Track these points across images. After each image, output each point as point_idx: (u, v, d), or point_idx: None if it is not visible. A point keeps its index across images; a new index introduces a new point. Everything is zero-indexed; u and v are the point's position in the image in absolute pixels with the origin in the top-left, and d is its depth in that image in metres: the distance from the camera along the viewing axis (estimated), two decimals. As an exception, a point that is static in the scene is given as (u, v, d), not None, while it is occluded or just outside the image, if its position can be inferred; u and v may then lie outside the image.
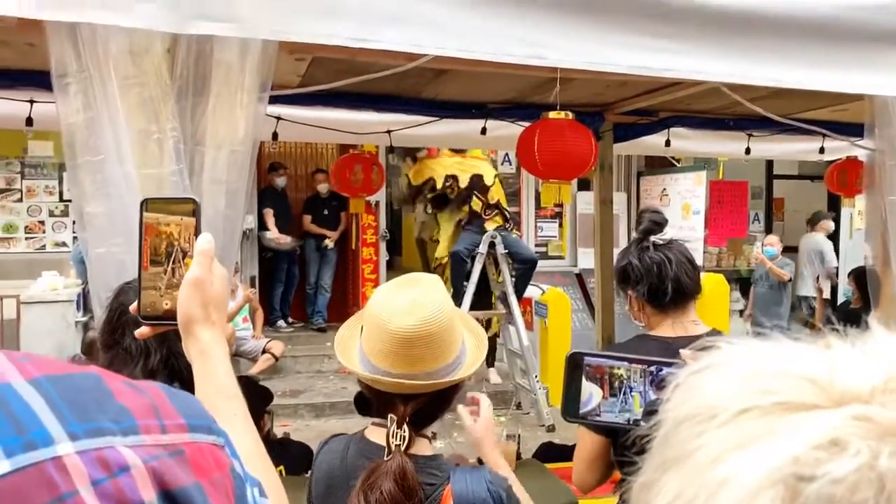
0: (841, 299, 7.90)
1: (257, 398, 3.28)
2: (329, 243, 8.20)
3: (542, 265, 7.19)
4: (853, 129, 3.38)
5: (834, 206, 9.11)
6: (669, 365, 0.96)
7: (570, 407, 0.97)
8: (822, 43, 1.97)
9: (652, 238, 1.86)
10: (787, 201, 10.81)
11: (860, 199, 5.08)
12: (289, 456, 2.99)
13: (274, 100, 3.26)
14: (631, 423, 0.96)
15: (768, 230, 10.42)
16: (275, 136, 3.62)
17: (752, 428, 0.36)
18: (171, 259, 0.93)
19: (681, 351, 0.94)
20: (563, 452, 3.19)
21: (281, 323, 8.31)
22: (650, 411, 0.94)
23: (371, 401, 1.41)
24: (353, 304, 8.76)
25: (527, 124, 3.45)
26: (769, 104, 3.03)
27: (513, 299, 6.22)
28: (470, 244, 6.29)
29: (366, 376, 1.35)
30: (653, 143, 4.25)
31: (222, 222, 1.73)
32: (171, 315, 0.90)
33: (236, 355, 6.69)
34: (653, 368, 0.96)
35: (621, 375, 0.95)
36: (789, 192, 10.71)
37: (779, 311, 7.53)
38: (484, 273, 6.31)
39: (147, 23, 1.55)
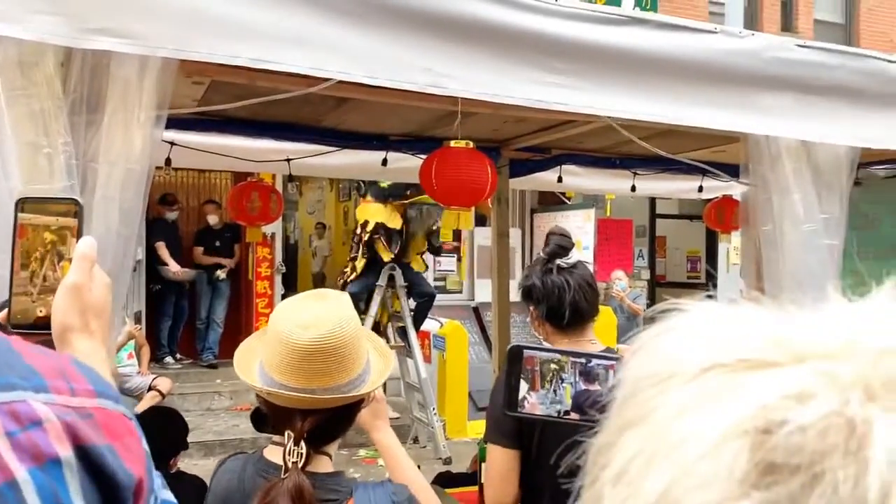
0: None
1: (181, 431, 3.13)
2: (222, 273, 7.98)
3: (440, 299, 7.25)
4: (730, 169, 3.62)
5: (712, 243, 9.67)
6: (605, 359, 1.00)
7: (511, 401, 0.99)
8: (703, 84, 2.12)
9: (557, 261, 1.93)
10: (669, 239, 11.38)
11: (736, 236, 5.41)
12: (182, 490, 2.85)
13: (168, 125, 3.20)
14: (561, 414, 0.99)
15: (651, 267, 10.94)
16: (168, 161, 3.51)
17: (715, 385, 0.35)
18: (46, 262, 0.87)
19: (618, 346, 0.99)
20: (459, 480, 3.21)
21: (169, 359, 7.98)
22: (580, 402, 0.98)
23: (268, 417, 1.38)
24: (245, 338, 8.51)
25: (425, 156, 3.51)
26: (655, 144, 3.21)
27: (411, 332, 6.23)
28: (370, 284, 6.25)
29: (262, 390, 1.32)
30: (546, 179, 4.40)
31: (115, 242, 1.66)
32: (44, 323, 0.82)
33: (120, 392, 6.34)
34: (583, 360, 1.00)
35: (553, 368, 0.98)
36: (671, 230, 11.28)
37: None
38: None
39: (41, 35, 1.49)
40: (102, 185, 1.65)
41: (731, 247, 8.67)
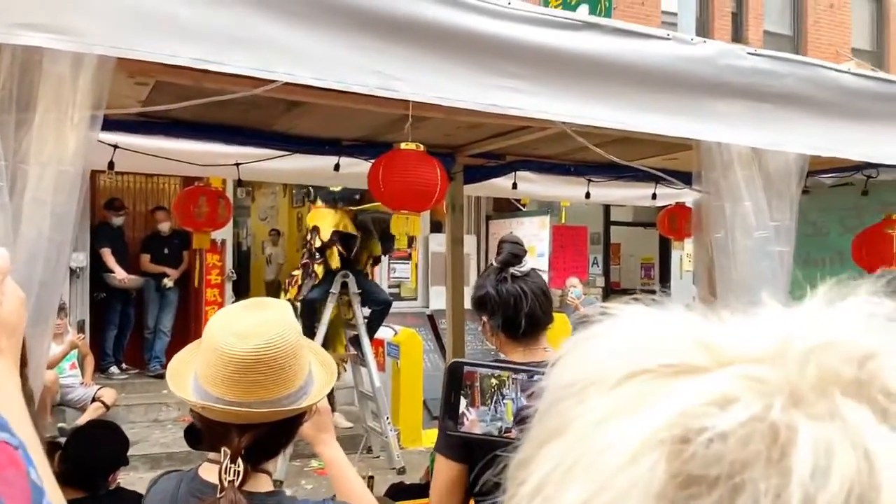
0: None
1: (121, 445, 3.00)
2: (168, 282, 7.79)
3: (394, 306, 7.18)
4: (683, 177, 3.65)
5: (665, 250, 9.79)
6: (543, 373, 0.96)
7: (450, 419, 0.95)
8: (656, 90, 2.11)
9: (511, 269, 1.88)
10: (623, 246, 11.50)
11: (689, 243, 5.48)
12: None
13: (112, 127, 3.09)
14: (503, 431, 0.95)
15: (606, 274, 11.03)
16: (111, 165, 3.39)
17: (638, 392, 0.33)
18: None
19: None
20: (412, 491, 3.16)
21: (114, 369, 7.75)
22: (521, 419, 0.94)
23: (203, 433, 1.31)
24: (195, 347, 8.33)
25: (380, 162, 3.46)
26: (609, 151, 3.21)
27: (365, 341, 6.14)
28: (326, 291, 6.15)
29: (196, 404, 1.25)
30: (500, 186, 4.38)
31: (46, 248, 1.57)
32: None
33: (62, 404, 6.13)
34: (523, 376, 0.96)
35: (493, 384, 0.94)
36: (625, 237, 11.41)
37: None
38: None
39: (-36, 28, 1.41)
40: (33, 188, 1.56)
41: (684, 254, 8.80)
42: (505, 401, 0.95)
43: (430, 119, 2.73)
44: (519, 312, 1.84)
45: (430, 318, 8.93)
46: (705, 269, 2.76)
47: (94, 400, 6.11)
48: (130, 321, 7.87)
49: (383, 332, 6.85)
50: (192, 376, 1.29)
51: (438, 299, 8.77)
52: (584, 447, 0.32)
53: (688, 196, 4.71)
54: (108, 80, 1.63)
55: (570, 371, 0.36)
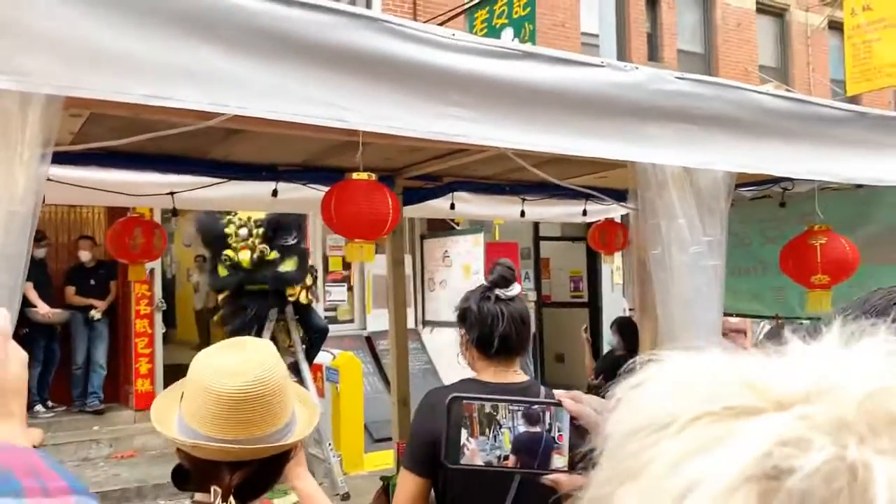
0: (606, 348, 8.64)
1: None
2: (96, 314, 7.53)
3: (331, 329, 7.14)
4: (612, 194, 3.78)
5: (593, 263, 10.04)
6: (543, 404, 1.01)
7: (452, 453, 0.98)
8: (592, 115, 2.21)
9: (497, 290, 1.95)
10: (553, 260, 11.73)
11: (618, 256, 5.64)
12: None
13: (41, 159, 3.00)
14: (501, 459, 0.99)
15: (538, 287, 11.22)
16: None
17: (707, 433, 0.37)
18: None
19: (555, 392, 1.01)
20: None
21: (39, 407, 7.44)
22: (518, 449, 0.99)
23: (191, 473, 1.30)
24: (124, 381, 8.06)
25: (318, 187, 3.46)
26: (544, 170, 3.31)
27: (304, 366, 6.09)
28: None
29: (185, 442, 1.25)
30: (438, 207, 4.44)
31: (-4, 291, 1.54)
32: None
33: (-14, 448, 5.84)
34: (520, 406, 1.00)
35: (490, 413, 0.98)
36: (554, 252, 11.63)
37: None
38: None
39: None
40: (-19, 229, 1.53)
41: (613, 267, 9.04)
42: (502, 430, 0.99)
43: (371, 144, 2.76)
44: (494, 332, 1.93)
45: (368, 339, 8.90)
46: (637, 282, 2.88)
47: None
48: (56, 357, 7.57)
49: (321, 357, 6.80)
50: (176, 416, 1.28)
51: (376, 321, 8.75)
52: (666, 487, 0.36)
53: (616, 211, 4.89)
54: (57, 117, 1.62)
55: (632, 416, 0.40)
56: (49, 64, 1.51)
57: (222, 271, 5.90)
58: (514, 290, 1.98)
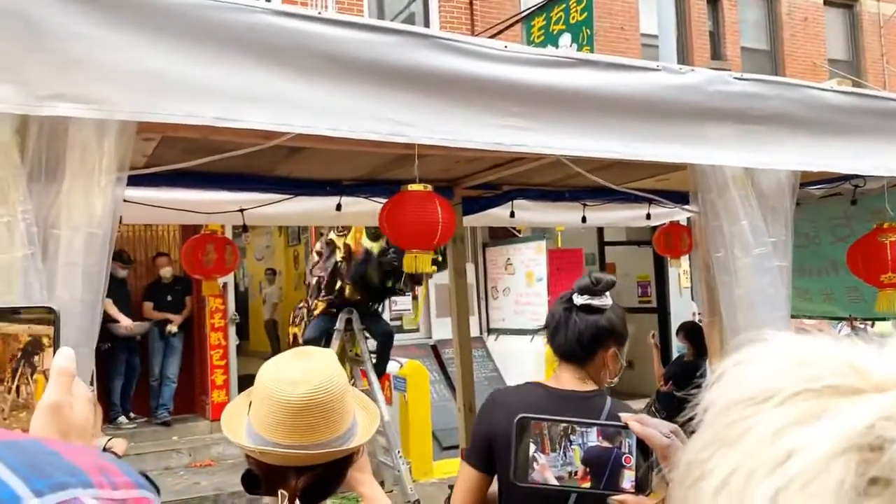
0: (675, 354, 8.48)
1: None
2: (172, 328, 7.81)
3: (397, 339, 7.23)
4: (675, 196, 3.74)
5: (660, 267, 9.87)
6: (609, 426, 1.05)
7: (520, 472, 1.02)
8: (649, 119, 2.20)
9: (585, 296, 1.98)
10: (619, 265, 11.58)
11: (685, 259, 5.55)
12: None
13: (118, 182, 3.16)
14: (572, 475, 1.03)
15: (604, 293, 11.07)
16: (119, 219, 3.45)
17: (807, 407, 0.40)
18: (18, 375, 0.81)
19: (622, 416, 1.05)
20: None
21: (122, 419, 7.75)
22: (590, 461, 1.02)
23: (260, 478, 1.37)
24: (201, 392, 8.32)
25: (379, 199, 3.54)
26: (602, 175, 3.30)
27: (372, 376, 6.16)
28: (325, 328, 6.15)
29: (253, 449, 1.31)
30: (498, 215, 4.46)
31: (80, 309, 1.63)
32: None
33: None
34: (587, 428, 1.04)
35: (560, 432, 1.02)
36: (619, 257, 11.49)
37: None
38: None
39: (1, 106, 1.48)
40: (65, 252, 1.63)
41: (680, 271, 8.88)
42: (573, 447, 1.02)
43: (429, 156, 2.81)
44: (556, 335, 1.99)
45: (434, 348, 8.96)
46: (705, 287, 2.84)
47: (104, 451, 6.10)
48: (136, 370, 7.88)
49: (389, 366, 6.88)
50: (245, 424, 1.35)
51: (441, 329, 8.81)
52: (765, 454, 0.39)
53: (681, 215, 4.81)
54: (130, 143, 1.71)
55: (735, 388, 0.44)
56: (121, 91, 1.61)
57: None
58: (606, 301, 1.97)
